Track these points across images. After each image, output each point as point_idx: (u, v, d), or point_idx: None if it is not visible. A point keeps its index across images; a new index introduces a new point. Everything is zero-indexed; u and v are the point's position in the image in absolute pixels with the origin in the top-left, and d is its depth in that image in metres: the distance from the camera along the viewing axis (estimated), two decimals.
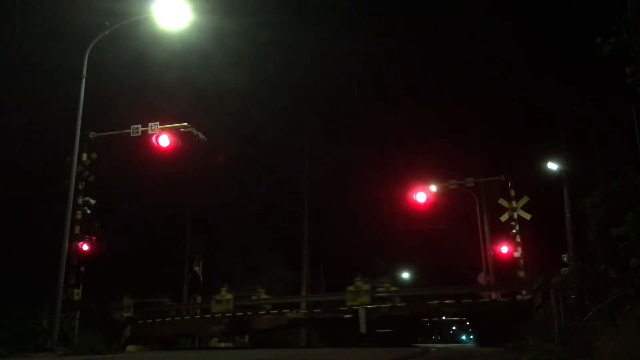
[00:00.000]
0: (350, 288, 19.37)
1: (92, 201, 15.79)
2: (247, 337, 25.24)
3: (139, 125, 16.62)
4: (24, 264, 20.65)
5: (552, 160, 23.13)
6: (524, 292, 18.76)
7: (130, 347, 18.94)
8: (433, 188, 26.16)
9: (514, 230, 22.17)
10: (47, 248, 16.22)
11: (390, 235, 39.90)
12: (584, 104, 22.50)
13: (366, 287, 19.20)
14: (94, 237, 15.65)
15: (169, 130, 16.78)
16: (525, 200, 22.31)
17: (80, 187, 15.45)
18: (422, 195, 26.06)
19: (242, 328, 21.86)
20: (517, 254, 22.23)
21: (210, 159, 26.52)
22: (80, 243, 15.20)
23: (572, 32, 34.38)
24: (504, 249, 24.66)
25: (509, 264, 23.62)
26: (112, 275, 22.53)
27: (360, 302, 18.89)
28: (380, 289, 19.90)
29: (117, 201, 23.84)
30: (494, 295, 22.61)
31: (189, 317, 22.55)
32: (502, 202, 22.66)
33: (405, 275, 49.37)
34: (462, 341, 48.12)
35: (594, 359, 6.55)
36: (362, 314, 18.63)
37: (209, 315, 21.11)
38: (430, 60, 44.48)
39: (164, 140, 16.67)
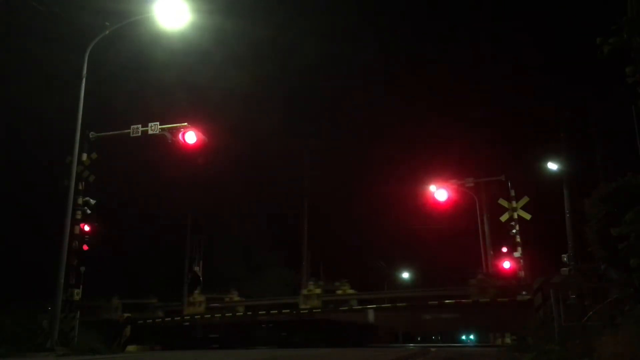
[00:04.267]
0: (304, 292, 20.10)
1: (92, 201, 15.77)
2: None
3: (139, 125, 16.55)
4: (24, 264, 20.65)
5: (552, 160, 23.11)
6: (524, 292, 18.74)
7: (130, 347, 18.90)
8: (433, 188, 26.12)
9: (514, 231, 22.16)
10: (47, 248, 16.22)
11: (390, 235, 39.97)
12: (585, 104, 22.45)
13: (318, 291, 19.96)
14: (93, 237, 15.63)
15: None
16: (525, 200, 22.30)
17: (80, 187, 15.42)
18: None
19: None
20: (517, 254, 22.22)
21: (210, 159, 26.51)
22: (81, 243, 15.17)
23: (573, 31, 34.39)
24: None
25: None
26: (112, 275, 22.56)
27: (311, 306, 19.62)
28: (339, 292, 20.80)
29: (117, 201, 23.83)
30: None
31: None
32: (502, 202, 22.64)
33: (405, 275, 49.35)
34: (461, 341, 48.09)
35: (594, 359, 6.54)
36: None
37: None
38: (431, 60, 44.51)
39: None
